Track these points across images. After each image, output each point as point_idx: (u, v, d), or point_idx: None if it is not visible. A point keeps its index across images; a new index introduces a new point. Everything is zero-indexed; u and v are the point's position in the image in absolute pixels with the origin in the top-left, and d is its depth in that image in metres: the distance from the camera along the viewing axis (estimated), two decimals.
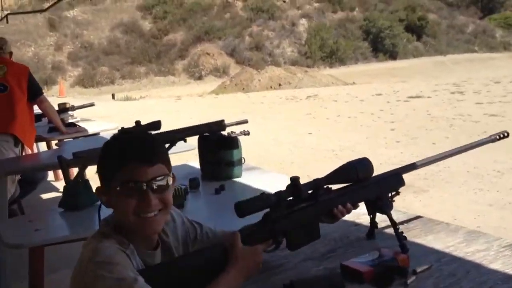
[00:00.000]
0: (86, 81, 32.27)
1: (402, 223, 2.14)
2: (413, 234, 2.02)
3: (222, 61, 35.20)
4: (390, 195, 1.96)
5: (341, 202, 1.81)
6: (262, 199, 1.64)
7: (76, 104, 6.17)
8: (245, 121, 3.29)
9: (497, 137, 2.20)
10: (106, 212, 1.57)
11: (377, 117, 12.11)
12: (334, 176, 1.83)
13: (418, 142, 9.09)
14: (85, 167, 2.91)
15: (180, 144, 3.10)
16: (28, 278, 2.59)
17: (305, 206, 1.75)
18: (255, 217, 1.65)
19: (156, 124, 3.05)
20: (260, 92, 20.17)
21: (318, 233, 1.80)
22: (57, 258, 3.42)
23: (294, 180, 1.73)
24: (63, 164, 2.76)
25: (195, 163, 3.34)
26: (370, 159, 1.91)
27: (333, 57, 38.14)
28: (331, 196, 1.81)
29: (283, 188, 1.71)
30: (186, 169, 3.43)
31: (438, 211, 5.21)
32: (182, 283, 1.50)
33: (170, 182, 1.49)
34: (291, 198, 1.71)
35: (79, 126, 5.62)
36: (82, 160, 2.80)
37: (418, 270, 1.69)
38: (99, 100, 19.85)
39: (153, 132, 3.04)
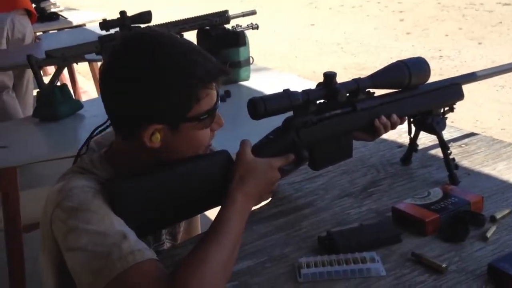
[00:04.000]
0: None
1: (452, 141, 1.70)
2: (476, 160, 1.59)
3: None
4: (442, 110, 1.51)
5: (385, 113, 1.37)
6: (285, 96, 1.20)
7: None
8: (253, 12, 2.75)
9: None
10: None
11: (384, 6, 11.36)
12: (379, 78, 1.36)
13: (430, 34, 8.49)
14: (62, 69, 2.42)
15: None
16: (1, 204, 2.19)
17: (340, 113, 1.33)
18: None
19: (146, 16, 2.51)
20: None
21: (350, 150, 1.38)
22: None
23: (329, 77, 1.28)
24: (33, 64, 2.26)
25: None
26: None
27: None
28: (373, 103, 1.36)
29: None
30: None
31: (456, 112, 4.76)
32: (171, 197, 1.10)
33: None
34: (322, 100, 1.30)
35: (62, 16, 5.03)
36: (55, 60, 2.31)
37: (498, 216, 1.28)
38: None
39: (143, 26, 2.52)
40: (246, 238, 1.23)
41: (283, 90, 1.21)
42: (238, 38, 2.55)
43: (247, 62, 2.60)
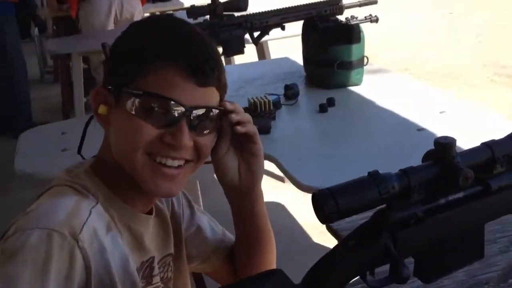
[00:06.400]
0: None
1: None
2: None
3: None
4: None
5: None
6: (369, 185, 0.76)
7: None
8: (374, 1, 2.27)
9: None
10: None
11: None
12: None
13: None
14: None
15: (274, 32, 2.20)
16: None
17: (464, 199, 0.83)
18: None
19: (241, 3, 2.12)
20: None
21: (482, 248, 0.89)
22: None
23: (443, 147, 0.80)
24: (107, 53, 1.96)
25: (301, 59, 2.40)
26: None
27: None
28: None
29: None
30: (285, 65, 2.51)
31: None
32: None
33: (217, 120, 0.90)
34: (430, 180, 0.81)
35: None
36: None
37: None
38: None
39: (237, 14, 2.14)
40: None
41: (368, 173, 0.77)
42: (351, 33, 2.09)
43: (360, 63, 2.14)
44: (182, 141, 0.83)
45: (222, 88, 0.90)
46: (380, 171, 0.78)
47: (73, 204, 0.82)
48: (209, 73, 0.85)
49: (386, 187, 0.76)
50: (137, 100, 0.83)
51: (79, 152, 0.98)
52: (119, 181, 0.89)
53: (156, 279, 0.96)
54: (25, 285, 0.73)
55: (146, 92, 0.83)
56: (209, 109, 0.87)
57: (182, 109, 0.83)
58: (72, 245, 0.77)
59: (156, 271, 0.96)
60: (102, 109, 0.88)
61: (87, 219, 0.81)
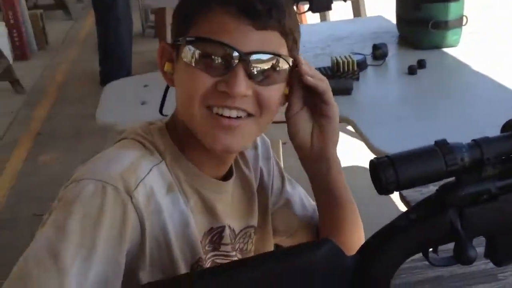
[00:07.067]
0: None
1: None
2: None
3: None
4: None
5: None
6: (434, 156, 0.69)
7: None
8: None
9: None
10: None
11: None
12: None
13: None
14: None
15: None
16: None
17: None
18: None
19: None
20: None
21: None
22: None
23: None
24: None
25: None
26: None
27: None
28: None
29: None
30: (377, 24, 2.37)
31: None
32: None
33: (285, 71, 0.82)
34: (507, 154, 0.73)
35: None
36: None
37: None
38: None
39: None
40: None
41: (435, 142, 0.69)
42: None
43: (459, 23, 1.98)
44: (235, 87, 0.76)
45: (287, 34, 0.81)
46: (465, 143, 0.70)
47: (135, 159, 0.79)
48: (264, 14, 0.77)
49: (454, 158, 0.68)
50: (191, 49, 0.79)
51: (160, 111, 0.93)
52: (187, 142, 0.85)
53: (226, 247, 0.92)
54: (74, 238, 0.71)
55: (198, 38, 0.79)
56: (268, 54, 0.79)
57: (236, 53, 0.77)
58: (125, 200, 0.74)
59: (227, 240, 0.91)
60: (167, 67, 0.85)
61: (145, 176, 0.78)
